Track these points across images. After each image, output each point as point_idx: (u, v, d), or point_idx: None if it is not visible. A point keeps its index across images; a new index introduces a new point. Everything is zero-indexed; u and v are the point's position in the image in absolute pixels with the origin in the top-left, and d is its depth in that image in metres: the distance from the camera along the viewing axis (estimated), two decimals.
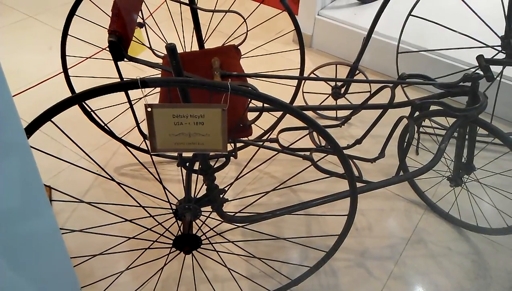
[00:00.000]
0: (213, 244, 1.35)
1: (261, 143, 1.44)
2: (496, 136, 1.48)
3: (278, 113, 1.99)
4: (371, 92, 1.64)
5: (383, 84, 1.48)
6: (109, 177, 1.12)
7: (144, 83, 0.89)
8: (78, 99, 0.90)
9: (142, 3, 1.25)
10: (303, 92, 2.27)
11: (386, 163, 1.97)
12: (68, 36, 1.55)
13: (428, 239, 1.79)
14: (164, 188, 1.11)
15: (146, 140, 1.01)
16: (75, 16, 1.50)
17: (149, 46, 1.47)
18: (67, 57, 1.61)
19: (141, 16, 1.44)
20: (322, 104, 2.25)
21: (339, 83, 2.17)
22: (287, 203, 1.86)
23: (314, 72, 2.18)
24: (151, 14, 1.57)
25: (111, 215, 1.25)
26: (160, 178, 1.11)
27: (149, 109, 0.94)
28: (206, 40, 1.69)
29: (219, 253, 1.42)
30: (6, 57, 2.61)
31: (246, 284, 1.57)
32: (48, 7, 3.04)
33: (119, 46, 1.01)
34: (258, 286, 1.55)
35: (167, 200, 1.14)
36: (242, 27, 1.50)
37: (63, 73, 1.64)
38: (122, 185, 1.13)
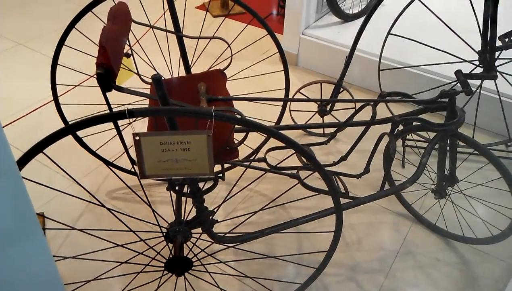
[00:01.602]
0: (204, 265, 1.38)
1: (248, 163, 1.48)
2: (475, 149, 1.53)
3: None
4: (356, 109, 1.69)
5: (363, 103, 1.54)
6: (99, 203, 1.16)
7: (131, 113, 0.93)
8: (68, 131, 0.93)
9: (128, 33, 1.30)
10: (290, 110, 2.32)
11: (373, 177, 2.01)
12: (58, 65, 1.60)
13: (417, 251, 1.83)
14: (153, 211, 1.14)
15: (135, 166, 1.04)
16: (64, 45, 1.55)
17: (136, 72, 1.52)
18: (56, 85, 1.66)
19: (129, 44, 1.49)
20: (308, 121, 2.30)
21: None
22: (277, 221, 1.90)
23: (300, 91, 2.24)
24: (137, 41, 1.61)
25: (104, 240, 1.28)
26: (149, 202, 1.15)
27: (137, 138, 0.98)
28: (193, 65, 1.74)
29: (211, 274, 1.44)
30: (1, 84, 2.65)
31: None
32: (37, 34, 3.09)
33: (107, 78, 1.05)
34: None
35: (157, 223, 1.18)
36: (228, 50, 1.55)
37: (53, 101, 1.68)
38: (112, 211, 1.16)
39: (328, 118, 2.28)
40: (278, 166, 1.54)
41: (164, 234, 1.24)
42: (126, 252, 1.41)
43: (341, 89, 2.18)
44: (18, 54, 2.93)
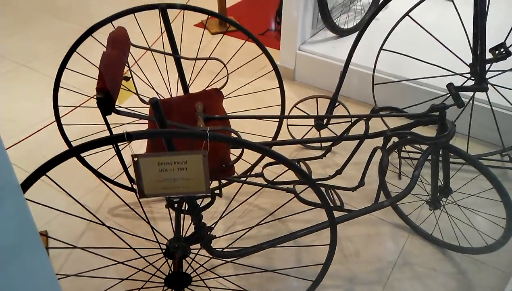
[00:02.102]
0: (204, 280, 1.41)
1: (245, 179, 1.52)
2: (466, 160, 1.57)
3: None
4: (350, 124, 1.74)
5: (356, 118, 1.58)
6: (99, 222, 1.20)
7: (129, 136, 0.98)
8: (70, 154, 0.98)
9: (127, 57, 1.35)
10: (287, 125, 2.37)
11: (371, 189, 2.05)
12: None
13: (414, 261, 1.86)
14: (152, 228, 1.18)
15: (134, 184, 1.09)
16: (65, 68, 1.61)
17: (136, 92, 1.57)
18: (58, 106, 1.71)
19: (128, 66, 1.54)
20: (306, 136, 2.35)
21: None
22: (276, 234, 1.93)
23: (297, 105, 2.29)
24: (136, 62, 1.67)
25: (105, 258, 1.32)
26: (148, 219, 1.19)
27: (135, 159, 1.03)
28: (191, 84, 1.79)
29: (210, 289, 1.48)
30: (4, 105, 2.71)
31: None
32: (38, 55, 3.16)
33: (106, 102, 1.10)
34: None
35: (156, 240, 1.22)
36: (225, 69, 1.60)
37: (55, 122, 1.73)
38: (112, 229, 1.20)
39: (325, 132, 2.33)
40: (274, 180, 1.58)
41: (164, 250, 1.28)
42: (128, 269, 1.45)
43: (337, 103, 2.23)
44: (20, 75, 2.99)
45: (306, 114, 2.27)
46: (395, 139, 1.74)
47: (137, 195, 1.07)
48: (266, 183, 1.52)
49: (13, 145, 2.40)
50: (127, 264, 1.29)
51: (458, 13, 1.94)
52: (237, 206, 1.81)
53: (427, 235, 1.93)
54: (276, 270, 1.70)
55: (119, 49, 1.27)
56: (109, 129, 1.15)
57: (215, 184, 1.93)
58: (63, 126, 1.78)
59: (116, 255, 1.73)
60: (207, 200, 1.31)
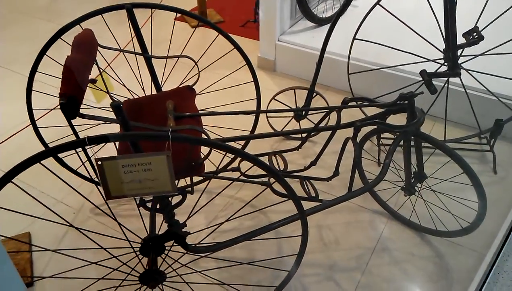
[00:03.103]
0: (181, 276, 1.44)
1: (213, 175, 1.53)
2: (436, 147, 1.59)
3: (242, 141, 2.10)
4: (322, 116, 1.75)
5: (329, 110, 1.60)
6: (68, 224, 1.22)
7: (91, 141, 0.99)
8: (32, 161, 0.99)
9: (94, 59, 1.36)
10: (267, 117, 2.38)
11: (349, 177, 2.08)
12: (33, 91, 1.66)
13: (392, 247, 1.90)
14: (121, 227, 1.21)
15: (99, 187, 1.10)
16: (37, 71, 1.61)
17: (107, 92, 1.58)
18: (34, 109, 1.72)
19: (98, 67, 1.55)
20: (285, 127, 2.37)
21: (300, 107, 2.29)
22: (258, 226, 1.95)
23: (275, 97, 2.30)
24: (109, 65, 1.68)
25: (85, 257, 1.34)
26: (118, 221, 1.21)
27: (99, 163, 1.04)
28: (164, 82, 1.80)
29: (188, 283, 1.51)
30: None
31: None
32: (17, 56, 3.15)
33: (69, 107, 1.11)
34: None
35: (127, 239, 1.24)
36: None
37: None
38: (80, 230, 1.23)
39: (304, 123, 2.35)
40: (249, 174, 1.60)
41: (138, 248, 1.30)
42: (106, 268, 1.47)
43: (314, 94, 2.25)
44: (1, 77, 2.99)
45: (284, 106, 2.29)
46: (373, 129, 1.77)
47: (103, 196, 1.08)
48: (236, 177, 1.54)
49: None
50: (102, 264, 1.31)
51: (429, 1, 1.96)
52: (210, 200, 1.83)
53: (405, 220, 1.96)
54: (251, 262, 1.73)
55: (84, 52, 1.28)
56: (75, 133, 1.16)
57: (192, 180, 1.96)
58: (41, 128, 1.79)
59: (98, 254, 1.76)
60: (179, 198, 1.33)
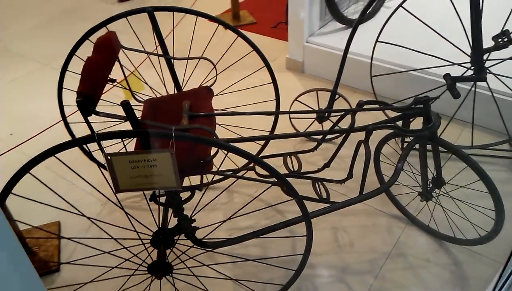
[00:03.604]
0: (190, 268, 1.50)
1: (220, 173, 1.58)
2: (452, 152, 1.57)
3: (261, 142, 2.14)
4: (338, 118, 1.77)
5: (343, 113, 1.61)
6: (80, 213, 1.30)
7: (100, 137, 1.06)
8: (47, 154, 1.08)
9: (114, 60, 1.44)
10: (290, 118, 2.41)
11: (371, 181, 2.07)
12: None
13: (409, 252, 1.88)
14: (130, 219, 1.28)
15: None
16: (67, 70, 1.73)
17: (130, 91, 1.66)
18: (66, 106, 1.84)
19: (121, 65, 1.64)
20: (308, 128, 2.38)
21: (322, 108, 2.30)
22: (272, 223, 1.99)
23: (298, 99, 2.32)
24: (136, 69, 1.77)
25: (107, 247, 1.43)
26: (127, 214, 1.28)
27: (109, 157, 1.11)
28: (186, 84, 1.87)
29: (197, 277, 1.56)
30: (24, 104, 2.89)
31: None
32: (59, 55, 3.32)
33: (86, 105, 1.19)
34: None
35: (134, 230, 1.31)
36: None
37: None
38: (92, 219, 1.31)
39: (326, 124, 2.35)
40: (261, 173, 1.64)
41: (149, 241, 1.37)
42: (120, 258, 1.56)
43: (337, 96, 2.25)
44: (44, 75, 3.17)
45: (307, 107, 2.31)
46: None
47: (113, 190, 1.16)
48: (238, 176, 1.58)
49: (29, 139, 2.56)
50: (116, 254, 1.40)
51: (454, 6, 1.92)
52: (213, 199, 1.92)
53: (423, 226, 1.93)
54: (257, 260, 1.77)
55: (104, 54, 1.36)
56: (91, 129, 1.24)
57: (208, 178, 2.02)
58: (71, 124, 1.91)
59: (117, 245, 1.85)
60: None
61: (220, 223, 1.58)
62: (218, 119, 2.15)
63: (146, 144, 1.20)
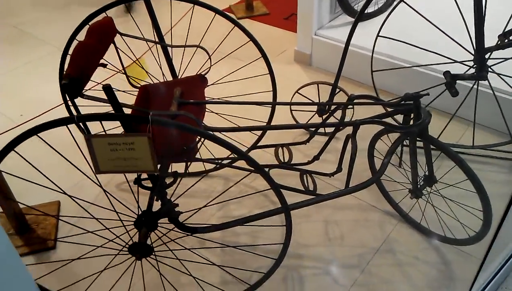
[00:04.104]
0: (172, 251, 1.54)
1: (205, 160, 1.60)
2: (441, 150, 1.56)
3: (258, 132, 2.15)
4: (331, 111, 1.77)
5: (336, 106, 1.62)
6: (66, 194, 1.36)
7: (79, 119, 1.10)
8: (30, 133, 1.12)
9: (107, 46, 1.47)
10: (291, 110, 2.42)
11: (367, 176, 2.07)
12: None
13: (398, 249, 1.87)
14: (112, 203, 1.32)
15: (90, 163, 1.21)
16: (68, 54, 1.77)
17: (126, 76, 1.70)
18: None
19: (119, 55, 1.67)
20: (309, 121, 2.39)
21: (322, 101, 2.30)
22: None
23: (299, 91, 2.33)
24: (137, 60, 1.80)
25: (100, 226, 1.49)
26: (108, 195, 1.33)
27: (88, 139, 1.15)
28: (184, 72, 1.90)
29: (181, 261, 1.60)
30: (36, 86, 2.97)
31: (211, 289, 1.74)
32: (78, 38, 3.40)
33: (72, 87, 1.23)
34: None
35: (115, 211, 1.36)
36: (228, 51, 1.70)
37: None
38: (74, 198, 1.36)
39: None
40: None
41: (133, 223, 1.41)
42: (109, 238, 1.61)
43: (338, 90, 2.25)
44: (57, 58, 3.22)
45: (307, 100, 2.31)
46: None
47: (93, 170, 1.20)
48: (220, 164, 1.60)
49: (33, 118, 2.64)
50: (96, 233, 1.45)
51: (457, 4, 1.89)
52: (193, 184, 1.97)
53: (415, 224, 1.92)
54: (237, 246, 1.80)
55: (95, 38, 1.40)
56: (77, 110, 1.28)
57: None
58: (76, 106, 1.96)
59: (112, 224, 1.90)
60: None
61: (197, 210, 1.61)
62: (217, 109, 2.19)
63: (128, 128, 1.23)
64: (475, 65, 1.99)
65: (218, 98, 1.87)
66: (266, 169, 1.68)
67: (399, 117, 1.72)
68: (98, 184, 1.38)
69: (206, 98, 1.68)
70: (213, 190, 2.16)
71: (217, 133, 1.95)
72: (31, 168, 1.35)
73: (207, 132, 1.12)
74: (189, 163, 1.58)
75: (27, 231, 1.96)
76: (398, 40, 2.03)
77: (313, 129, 2.11)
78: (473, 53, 1.97)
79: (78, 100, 1.39)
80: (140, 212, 1.44)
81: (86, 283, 1.68)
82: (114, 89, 1.85)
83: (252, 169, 1.22)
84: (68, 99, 1.25)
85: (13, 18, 3.87)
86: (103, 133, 1.18)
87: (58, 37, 3.46)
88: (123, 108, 1.34)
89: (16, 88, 2.99)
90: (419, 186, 1.75)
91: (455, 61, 1.98)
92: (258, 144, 1.97)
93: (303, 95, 2.31)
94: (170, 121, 1.13)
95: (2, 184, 1.80)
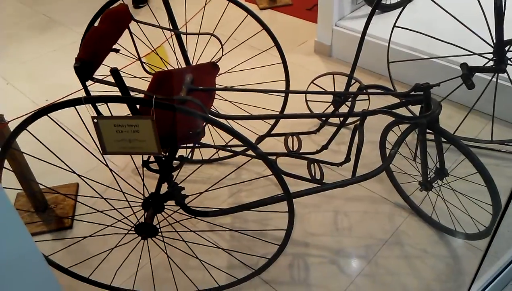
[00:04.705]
0: (178, 232, 1.58)
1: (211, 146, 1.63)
2: (451, 143, 1.53)
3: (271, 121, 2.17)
4: (341, 101, 1.76)
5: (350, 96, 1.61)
6: (75, 173, 1.41)
7: (86, 100, 1.15)
8: (41, 113, 1.18)
9: (120, 32, 1.52)
10: (306, 101, 2.42)
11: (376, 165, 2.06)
12: None
13: (406, 242, 1.86)
14: (119, 185, 1.36)
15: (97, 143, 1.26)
16: None
17: (141, 62, 1.75)
18: None
19: (132, 37, 1.72)
20: (325, 111, 2.38)
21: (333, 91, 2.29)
22: None
23: (314, 81, 2.32)
24: (156, 48, 1.85)
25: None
26: (114, 175, 1.38)
27: (95, 120, 1.20)
28: (198, 60, 1.93)
29: (187, 243, 1.64)
30: (62, 72, 3.07)
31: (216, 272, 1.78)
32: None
33: (83, 70, 1.28)
34: (229, 275, 1.75)
35: (120, 191, 1.40)
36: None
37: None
38: (83, 177, 1.41)
39: (343, 108, 2.34)
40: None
41: (141, 204, 1.46)
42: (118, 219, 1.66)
43: (354, 81, 2.23)
44: None
45: (323, 90, 2.30)
46: None
47: (100, 151, 1.24)
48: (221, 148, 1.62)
49: (55, 102, 2.71)
50: (106, 213, 1.51)
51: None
52: (196, 169, 2.05)
53: (426, 217, 1.91)
54: (239, 230, 1.83)
55: (109, 24, 1.44)
56: (87, 93, 1.33)
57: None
58: (92, 91, 2.02)
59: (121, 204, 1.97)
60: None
61: (198, 194, 1.65)
62: (232, 97, 2.21)
63: (134, 111, 1.27)
64: (494, 58, 1.94)
65: (231, 87, 1.89)
66: (273, 157, 1.70)
67: (416, 109, 1.71)
68: (105, 163, 1.43)
69: (218, 86, 1.70)
70: (225, 177, 2.19)
71: (229, 122, 1.98)
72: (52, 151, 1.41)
73: (208, 116, 1.15)
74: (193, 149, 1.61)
75: (45, 211, 2.05)
76: (414, 31, 2.00)
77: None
78: (492, 45, 1.92)
79: (98, 86, 1.45)
80: (148, 195, 1.48)
81: (98, 262, 1.75)
82: (130, 76, 1.91)
83: (254, 155, 1.24)
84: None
85: (43, 6, 3.99)
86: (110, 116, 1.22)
87: (84, 25, 3.54)
88: (133, 92, 1.39)
89: (42, 74, 3.10)
90: (429, 179, 1.73)
91: (474, 54, 1.94)
92: (273, 133, 1.98)
93: (318, 86, 2.30)
94: (171, 105, 1.16)
95: (23, 165, 1.89)
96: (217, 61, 1.75)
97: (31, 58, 3.27)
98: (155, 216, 1.49)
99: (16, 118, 1.54)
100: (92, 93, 1.57)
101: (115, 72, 1.19)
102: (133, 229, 1.45)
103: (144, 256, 1.76)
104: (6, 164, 1.83)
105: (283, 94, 2.07)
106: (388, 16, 2.87)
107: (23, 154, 1.86)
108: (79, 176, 1.49)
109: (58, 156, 1.43)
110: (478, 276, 1.56)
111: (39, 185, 1.98)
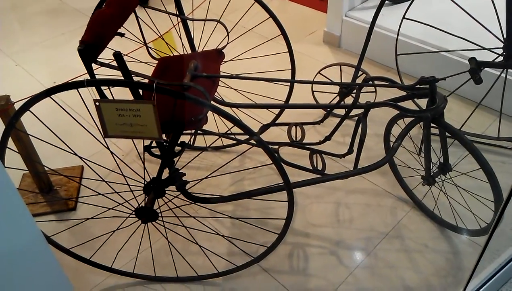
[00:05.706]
0: (178, 218, 1.59)
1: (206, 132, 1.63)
2: (455, 137, 1.52)
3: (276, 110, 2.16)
4: (345, 92, 1.75)
5: (350, 87, 1.60)
6: (77, 155, 1.42)
7: (89, 83, 1.15)
8: (43, 95, 1.19)
9: (126, 16, 1.51)
10: (313, 91, 2.41)
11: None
12: None
13: (407, 236, 1.86)
14: (120, 169, 1.37)
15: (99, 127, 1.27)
16: None
17: (147, 48, 1.75)
18: None
19: (138, 21, 1.72)
20: (332, 102, 2.37)
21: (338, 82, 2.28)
22: None
23: (321, 72, 2.31)
24: (163, 34, 1.84)
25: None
26: (115, 159, 1.38)
27: (97, 103, 1.20)
28: (204, 46, 1.93)
29: (187, 228, 1.65)
30: (70, 56, 3.08)
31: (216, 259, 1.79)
32: None
33: (87, 53, 1.28)
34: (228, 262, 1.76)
35: (122, 175, 1.42)
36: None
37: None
38: (84, 159, 1.41)
39: (348, 100, 2.33)
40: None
41: (142, 188, 1.47)
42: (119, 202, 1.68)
43: (360, 73, 2.21)
44: None
45: (329, 80, 2.29)
46: None
47: (102, 134, 1.25)
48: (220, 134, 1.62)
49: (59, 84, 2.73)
50: (107, 196, 1.52)
51: None
52: (197, 155, 2.07)
53: (428, 212, 1.90)
54: (240, 218, 1.84)
55: (114, 8, 1.44)
56: (92, 76, 1.33)
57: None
58: (98, 75, 2.03)
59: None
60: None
61: (198, 180, 1.66)
62: (238, 86, 2.21)
63: (136, 95, 1.28)
64: (503, 53, 1.91)
65: (236, 75, 1.89)
66: (276, 147, 1.69)
67: (423, 103, 1.69)
68: (106, 146, 1.44)
69: (223, 74, 1.70)
70: (229, 165, 2.19)
71: (234, 110, 1.98)
72: (59, 134, 1.43)
73: (207, 102, 1.15)
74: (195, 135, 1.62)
75: (50, 192, 2.07)
76: (423, 23, 1.97)
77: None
78: (502, 40, 1.89)
79: (105, 71, 1.46)
80: (149, 179, 1.49)
81: (99, 244, 1.77)
82: (137, 60, 1.91)
83: (254, 143, 1.24)
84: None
85: None
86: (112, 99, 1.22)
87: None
88: (136, 77, 1.39)
89: (51, 57, 3.11)
90: (432, 173, 1.72)
91: (483, 48, 1.91)
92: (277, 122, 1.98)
93: (325, 76, 2.29)
94: (171, 90, 1.16)
95: (28, 146, 1.91)
96: (223, 49, 1.75)
97: (42, 40, 3.29)
98: (156, 201, 1.50)
99: (21, 100, 1.54)
100: (98, 77, 1.58)
101: (118, 55, 1.19)
102: (133, 212, 1.47)
103: (145, 240, 1.78)
104: (12, 145, 1.86)
105: (289, 84, 2.06)
106: (399, 8, 2.83)
107: (29, 136, 1.88)
108: (81, 158, 1.50)
109: (65, 139, 1.44)
110: (477, 273, 1.55)
111: (44, 167, 2.01)
